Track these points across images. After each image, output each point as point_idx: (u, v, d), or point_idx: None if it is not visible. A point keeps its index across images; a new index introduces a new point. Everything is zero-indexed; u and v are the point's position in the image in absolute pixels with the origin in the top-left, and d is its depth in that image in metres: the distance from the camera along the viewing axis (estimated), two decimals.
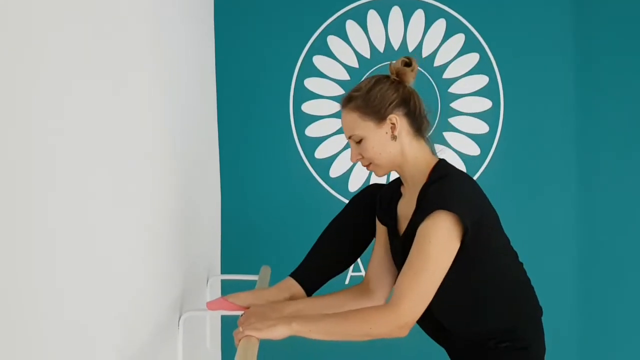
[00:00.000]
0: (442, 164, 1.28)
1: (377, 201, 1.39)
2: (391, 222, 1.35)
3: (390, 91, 1.26)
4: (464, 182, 1.24)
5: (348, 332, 1.15)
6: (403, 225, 1.31)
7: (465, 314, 1.26)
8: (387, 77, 1.30)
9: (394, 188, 1.37)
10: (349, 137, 1.30)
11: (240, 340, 1.10)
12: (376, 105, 1.25)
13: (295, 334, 1.13)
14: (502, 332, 1.25)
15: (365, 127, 1.26)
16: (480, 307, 1.26)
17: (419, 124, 1.28)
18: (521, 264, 1.33)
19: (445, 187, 1.20)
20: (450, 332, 1.29)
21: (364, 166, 1.31)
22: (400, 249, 1.29)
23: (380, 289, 1.38)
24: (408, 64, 1.29)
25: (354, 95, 1.28)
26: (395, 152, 1.27)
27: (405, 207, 1.31)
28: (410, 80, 1.30)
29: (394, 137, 1.26)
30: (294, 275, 1.41)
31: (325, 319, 1.16)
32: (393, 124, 1.25)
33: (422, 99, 1.32)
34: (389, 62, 1.33)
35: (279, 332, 1.11)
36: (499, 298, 1.26)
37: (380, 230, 1.40)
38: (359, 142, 1.28)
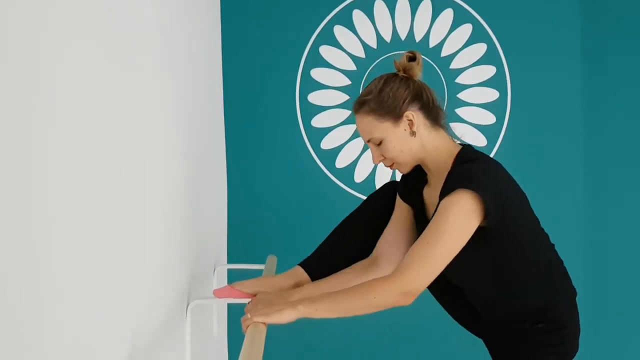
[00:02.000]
0: (465, 150, 1.27)
1: (401, 181, 1.40)
2: (417, 205, 1.35)
3: (401, 89, 1.26)
4: (487, 164, 1.24)
5: (353, 305, 1.14)
6: (430, 211, 1.32)
7: (500, 297, 1.27)
8: (395, 74, 1.29)
9: (422, 172, 1.36)
10: (368, 141, 1.29)
11: (247, 326, 1.11)
12: (390, 104, 1.25)
13: (302, 316, 1.13)
14: (537, 312, 1.25)
15: (383, 128, 1.26)
16: (514, 289, 1.26)
17: (434, 115, 1.28)
18: (552, 245, 1.32)
19: (468, 170, 1.20)
20: (485, 318, 1.30)
21: (387, 166, 1.31)
22: None
23: (388, 264, 1.37)
24: (413, 58, 1.29)
25: (366, 99, 1.28)
26: (417, 147, 1.27)
27: (432, 195, 1.31)
28: (418, 74, 1.30)
29: (413, 133, 1.26)
30: (302, 264, 1.42)
31: (329, 296, 1.16)
32: (410, 120, 1.25)
33: (432, 89, 1.32)
34: (395, 53, 1.33)
35: (286, 315, 1.12)
36: (531, 279, 1.26)
37: (401, 207, 1.39)
38: (379, 144, 1.28)
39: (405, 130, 1.26)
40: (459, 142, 1.33)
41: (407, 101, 1.25)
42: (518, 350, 1.27)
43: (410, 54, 1.30)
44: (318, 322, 1.50)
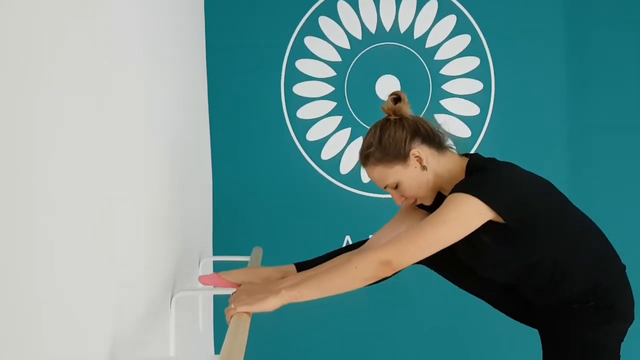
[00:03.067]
0: (472, 161, 1.31)
1: None
2: None
3: (398, 131, 1.29)
4: (492, 171, 1.27)
5: (336, 280, 1.15)
6: None
7: (550, 286, 1.28)
8: (387, 119, 1.33)
9: None
10: (385, 187, 1.33)
11: (231, 317, 1.11)
12: (394, 149, 1.29)
13: (286, 301, 1.12)
14: (586, 292, 1.26)
15: (395, 173, 1.30)
16: (561, 277, 1.27)
17: (438, 142, 1.32)
18: (592, 223, 1.33)
19: (474, 179, 1.25)
20: (538, 307, 1.33)
21: (411, 203, 1.35)
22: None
23: None
24: (398, 99, 1.32)
25: (369, 152, 1.31)
26: (431, 178, 1.31)
27: None
28: (408, 111, 1.33)
29: (424, 168, 1.30)
30: (297, 264, 1.43)
31: (312, 276, 1.17)
32: (417, 156, 1.29)
33: (425, 118, 1.35)
34: (380, 44, 1.33)
35: (269, 303, 1.11)
36: (577, 258, 1.27)
37: (407, 208, 1.42)
38: (396, 187, 1.32)
39: (415, 167, 1.29)
40: (463, 153, 1.37)
41: (408, 140, 1.29)
42: (568, 332, 1.29)
43: (394, 96, 1.33)
44: (302, 313, 1.51)
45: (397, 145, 1.28)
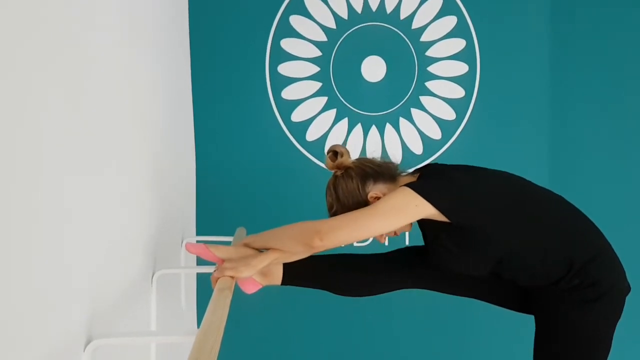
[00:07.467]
0: (421, 175, 1.36)
1: None
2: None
3: (349, 183, 1.35)
4: (438, 175, 1.32)
5: (279, 236, 1.30)
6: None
7: (535, 273, 1.31)
8: (335, 177, 1.39)
9: None
10: None
11: (217, 280, 1.18)
12: (353, 201, 1.34)
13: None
14: (569, 272, 1.29)
15: None
16: (543, 261, 1.30)
17: (387, 174, 1.37)
18: (567, 205, 1.35)
19: (416, 183, 1.32)
20: (531, 292, 1.36)
21: (393, 236, 1.40)
22: None
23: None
24: (335, 153, 1.39)
25: (333, 212, 1.38)
26: None
27: None
28: (350, 161, 1.38)
29: None
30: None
31: (268, 232, 1.33)
32: (376, 197, 1.35)
33: (366, 157, 1.42)
34: (366, 24, 1.33)
35: (255, 263, 1.24)
36: (545, 247, 1.30)
37: None
38: None
39: None
40: (413, 168, 1.43)
41: (361, 187, 1.35)
42: (557, 314, 1.31)
43: (331, 152, 1.39)
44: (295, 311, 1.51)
45: (354, 196, 1.34)
